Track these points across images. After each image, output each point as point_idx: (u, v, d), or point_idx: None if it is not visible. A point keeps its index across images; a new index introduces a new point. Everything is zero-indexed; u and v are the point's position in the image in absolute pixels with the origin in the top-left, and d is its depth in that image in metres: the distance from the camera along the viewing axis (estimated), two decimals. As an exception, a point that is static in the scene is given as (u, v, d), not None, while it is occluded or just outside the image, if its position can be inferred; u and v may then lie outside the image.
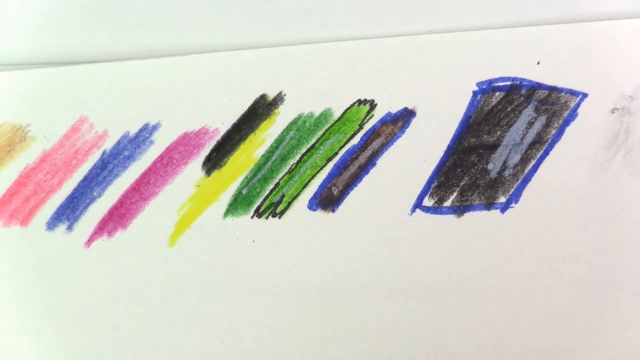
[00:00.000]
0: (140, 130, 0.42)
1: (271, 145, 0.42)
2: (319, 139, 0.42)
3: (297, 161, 0.42)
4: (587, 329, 0.44)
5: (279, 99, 0.42)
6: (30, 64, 0.42)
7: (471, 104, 0.42)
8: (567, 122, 0.42)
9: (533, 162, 0.42)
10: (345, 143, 0.42)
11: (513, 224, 0.43)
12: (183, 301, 0.43)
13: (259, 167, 0.42)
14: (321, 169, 0.42)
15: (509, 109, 0.42)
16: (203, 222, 0.42)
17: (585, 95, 0.42)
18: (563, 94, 0.42)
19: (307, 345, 0.43)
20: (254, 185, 0.42)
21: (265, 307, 0.43)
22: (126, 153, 0.42)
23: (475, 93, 0.42)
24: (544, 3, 0.42)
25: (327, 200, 0.42)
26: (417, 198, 0.42)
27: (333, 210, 0.42)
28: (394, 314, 0.43)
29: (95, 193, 0.42)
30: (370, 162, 0.42)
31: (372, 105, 0.42)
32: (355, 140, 0.42)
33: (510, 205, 0.43)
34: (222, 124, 0.42)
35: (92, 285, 0.42)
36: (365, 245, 0.43)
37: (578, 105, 0.42)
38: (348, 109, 0.42)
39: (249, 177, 0.42)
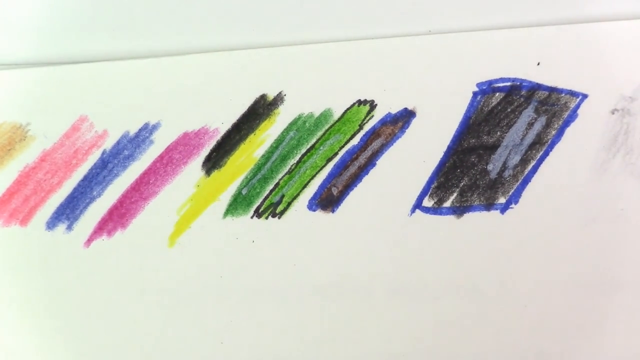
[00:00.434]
0: (140, 130, 0.42)
1: (271, 146, 0.42)
2: (319, 139, 0.42)
3: (297, 161, 0.42)
4: (587, 329, 0.44)
5: (279, 99, 0.42)
6: (30, 63, 0.42)
7: (471, 104, 0.42)
8: (567, 123, 0.42)
9: (533, 162, 0.42)
10: (345, 143, 0.42)
11: (513, 225, 0.43)
12: (183, 301, 0.43)
13: (258, 167, 0.42)
14: (321, 169, 0.42)
15: (509, 110, 0.42)
16: (203, 222, 0.42)
17: (585, 96, 0.42)
18: (563, 94, 0.42)
19: (307, 345, 0.43)
20: (254, 186, 0.42)
21: (265, 307, 0.43)
22: (126, 152, 0.42)
23: (475, 94, 0.42)
24: (544, 3, 0.42)
25: (327, 200, 0.42)
26: (417, 198, 0.42)
27: (333, 211, 0.42)
28: (393, 314, 0.43)
29: (95, 193, 0.42)
30: (370, 162, 0.42)
31: (372, 105, 0.42)
32: (355, 140, 0.42)
33: (510, 206, 0.43)
34: (222, 124, 0.42)
35: (91, 285, 0.42)
36: (365, 245, 0.43)
37: (578, 106, 0.42)
38: (348, 109, 0.42)
39: (248, 177, 0.42)
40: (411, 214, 0.42)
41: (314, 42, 0.42)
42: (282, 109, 0.42)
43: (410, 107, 0.42)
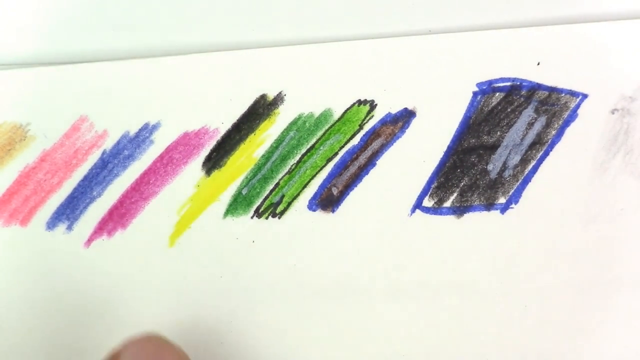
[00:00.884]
0: (140, 130, 0.42)
1: (271, 146, 0.42)
2: (319, 139, 0.42)
3: (297, 161, 0.42)
4: (587, 329, 0.44)
5: (279, 99, 0.42)
6: (30, 63, 0.42)
7: (471, 104, 0.42)
8: (567, 123, 0.42)
9: (533, 162, 0.42)
10: (345, 143, 0.42)
11: (513, 225, 0.43)
12: (183, 301, 0.43)
13: (258, 168, 0.42)
14: (321, 169, 0.42)
15: (509, 110, 0.42)
16: (203, 222, 0.42)
17: (585, 96, 0.42)
18: (563, 94, 0.42)
19: (307, 346, 0.43)
20: (254, 186, 0.42)
21: (265, 307, 0.43)
22: (126, 152, 0.42)
23: (475, 94, 0.42)
24: (544, 3, 0.42)
25: (327, 200, 0.42)
26: (417, 198, 0.42)
27: (333, 211, 0.42)
28: (393, 314, 0.43)
29: (95, 193, 0.42)
30: (370, 162, 0.42)
31: (372, 105, 0.42)
32: (355, 140, 0.42)
33: (510, 206, 0.43)
34: (222, 124, 0.42)
35: (91, 285, 0.42)
36: (365, 245, 0.43)
37: (578, 106, 0.42)
38: (348, 109, 0.42)
39: (248, 177, 0.42)
40: (411, 214, 0.42)
41: (314, 42, 0.42)
42: (282, 109, 0.42)
43: (410, 107, 0.42)
